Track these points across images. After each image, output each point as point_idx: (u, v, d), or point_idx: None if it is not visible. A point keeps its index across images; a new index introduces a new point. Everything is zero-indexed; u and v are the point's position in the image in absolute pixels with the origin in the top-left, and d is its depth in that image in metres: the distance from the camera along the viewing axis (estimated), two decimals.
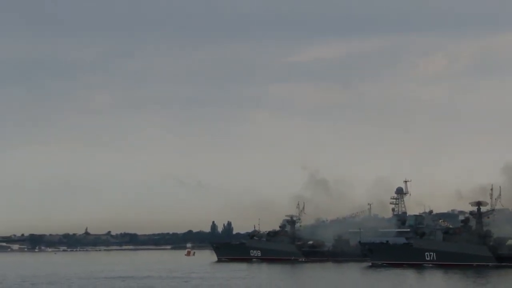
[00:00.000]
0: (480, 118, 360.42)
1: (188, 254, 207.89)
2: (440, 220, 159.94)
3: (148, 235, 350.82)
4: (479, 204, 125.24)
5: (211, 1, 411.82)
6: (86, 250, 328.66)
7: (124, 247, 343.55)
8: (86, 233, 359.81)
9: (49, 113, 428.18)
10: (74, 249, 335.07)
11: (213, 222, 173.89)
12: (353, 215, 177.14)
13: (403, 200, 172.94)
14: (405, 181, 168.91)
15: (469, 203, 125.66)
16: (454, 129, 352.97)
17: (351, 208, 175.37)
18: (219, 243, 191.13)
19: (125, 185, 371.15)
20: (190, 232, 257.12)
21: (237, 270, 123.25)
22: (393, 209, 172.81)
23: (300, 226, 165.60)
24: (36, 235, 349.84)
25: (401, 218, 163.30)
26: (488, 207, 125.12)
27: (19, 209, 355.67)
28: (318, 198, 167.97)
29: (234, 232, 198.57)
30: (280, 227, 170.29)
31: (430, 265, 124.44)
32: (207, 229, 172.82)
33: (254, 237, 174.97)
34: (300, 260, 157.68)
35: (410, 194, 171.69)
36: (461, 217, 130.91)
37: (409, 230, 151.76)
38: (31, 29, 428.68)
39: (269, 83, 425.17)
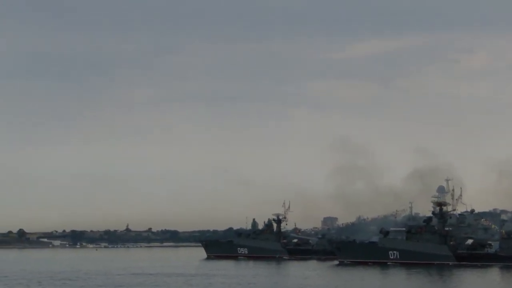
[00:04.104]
0: None
1: None
2: (482, 219, 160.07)
3: (189, 232, 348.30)
4: (441, 204, 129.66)
5: None
6: (127, 247, 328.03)
7: (164, 244, 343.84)
8: (127, 230, 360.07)
9: (90, 108, 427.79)
10: (115, 246, 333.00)
11: (254, 219, 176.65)
12: (394, 214, 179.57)
13: (445, 199, 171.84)
14: (447, 180, 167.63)
15: (431, 203, 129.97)
16: (496, 126, 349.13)
17: (392, 206, 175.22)
18: (208, 241, 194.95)
19: (166, 182, 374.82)
20: (230, 229, 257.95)
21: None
22: (454, 208, 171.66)
23: (342, 224, 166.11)
24: (77, 231, 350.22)
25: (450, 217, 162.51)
26: (450, 207, 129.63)
27: (61, 206, 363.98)
28: (359, 195, 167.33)
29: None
30: (266, 225, 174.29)
31: (393, 263, 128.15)
32: (248, 226, 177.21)
33: (241, 235, 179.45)
34: (285, 258, 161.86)
35: (451, 193, 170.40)
36: (504, 217, 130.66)
37: (450, 229, 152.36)
38: (70, 25, 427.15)
39: (308, 80, 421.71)
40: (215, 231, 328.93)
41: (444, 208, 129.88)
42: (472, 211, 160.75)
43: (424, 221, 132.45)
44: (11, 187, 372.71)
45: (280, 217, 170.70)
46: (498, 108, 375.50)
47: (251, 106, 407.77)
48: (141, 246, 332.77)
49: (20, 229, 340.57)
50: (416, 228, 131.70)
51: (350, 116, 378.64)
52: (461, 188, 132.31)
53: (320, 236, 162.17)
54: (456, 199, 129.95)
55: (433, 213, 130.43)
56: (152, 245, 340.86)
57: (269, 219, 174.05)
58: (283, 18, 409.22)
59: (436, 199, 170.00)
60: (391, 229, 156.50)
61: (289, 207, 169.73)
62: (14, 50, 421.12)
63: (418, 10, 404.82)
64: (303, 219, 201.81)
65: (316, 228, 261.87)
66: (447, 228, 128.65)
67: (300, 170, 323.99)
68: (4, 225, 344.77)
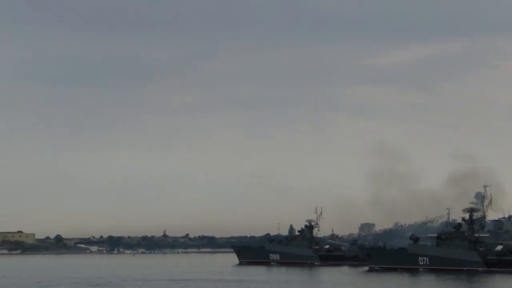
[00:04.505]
0: None
1: None
2: None
3: (226, 238, 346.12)
4: (471, 210, 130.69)
5: (290, 1, 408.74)
6: (164, 253, 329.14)
7: (202, 249, 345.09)
8: (165, 236, 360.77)
9: (126, 115, 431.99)
10: (152, 252, 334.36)
11: (291, 225, 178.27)
12: (431, 220, 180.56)
13: (483, 205, 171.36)
14: (485, 186, 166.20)
15: (462, 210, 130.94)
16: None
17: (430, 213, 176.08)
18: (240, 247, 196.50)
19: (204, 187, 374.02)
20: (267, 235, 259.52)
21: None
22: (485, 215, 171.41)
23: (380, 230, 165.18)
24: (114, 237, 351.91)
25: (480, 223, 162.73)
26: (480, 214, 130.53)
27: (98, 211, 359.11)
28: (396, 201, 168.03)
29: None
30: (299, 231, 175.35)
31: (423, 269, 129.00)
32: (285, 232, 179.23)
33: (273, 241, 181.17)
34: (317, 264, 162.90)
35: (489, 199, 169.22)
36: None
37: (488, 235, 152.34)
38: (104, 30, 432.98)
39: (346, 85, 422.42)
40: (252, 237, 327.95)
41: (475, 215, 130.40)
42: (510, 217, 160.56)
43: (454, 227, 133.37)
44: (49, 192, 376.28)
45: (312, 223, 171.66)
46: None
47: (288, 112, 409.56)
48: (178, 252, 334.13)
49: (58, 235, 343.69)
50: (446, 234, 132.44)
51: (388, 122, 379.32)
52: (491, 194, 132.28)
53: (352, 242, 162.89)
54: (486, 206, 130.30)
55: (463, 219, 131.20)
56: (189, 250, 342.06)
57: (302, 226, 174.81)
58: (323, 22, 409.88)
59: (473, 205, 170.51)
60: (428, 235, 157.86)
61: (321, 213, 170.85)
62: (47, 55, 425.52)
63: (458, 16, 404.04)
64: (340, 225, 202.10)
65: (353, 234, 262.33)
66: (476, 234, 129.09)
67: (338, 177, 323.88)
68: (42, 231, 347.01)
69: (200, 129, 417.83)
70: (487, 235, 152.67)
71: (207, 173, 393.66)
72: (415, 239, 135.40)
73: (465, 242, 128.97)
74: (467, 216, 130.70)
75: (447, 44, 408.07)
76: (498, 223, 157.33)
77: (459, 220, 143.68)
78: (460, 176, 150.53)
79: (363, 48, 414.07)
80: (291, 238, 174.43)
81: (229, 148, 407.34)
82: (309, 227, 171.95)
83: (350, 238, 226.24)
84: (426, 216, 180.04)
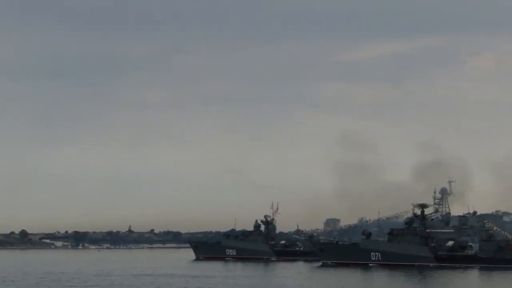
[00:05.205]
0: None
1: None
2: (484, 221, 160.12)
3: (192, 233, 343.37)
4: (423, 206, 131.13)
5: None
6: (129, 248, 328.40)
7: (167, 245, 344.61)
8: (130, 231, 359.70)
9: (97, 109, 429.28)
10: (117, 247, 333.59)
11: (256, 220, 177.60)
12: (396, 215, 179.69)
13: (447, 201, 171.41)
14: (449, 181, 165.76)
15: (413, 205, 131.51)
16: (502, 128, 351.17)
17: (394, 208, 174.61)
18: (197, 242, 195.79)
19: (169, 183, 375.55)
20: (233, 230, 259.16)
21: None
22: (436, 210, 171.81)
23: (345, 226, 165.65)
24: (80, 232, 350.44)
25: (445, 219, 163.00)
26: (431, 209, 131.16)
27: (63, 206, 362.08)
28: (361, 194, 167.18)
29: (278, 231, 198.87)
30: (255, 227, 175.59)
31: (375, 264, 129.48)
32: (250, 227, 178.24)
33: (230, 237, 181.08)
34: (273, 259, 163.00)
35: (454, 195, 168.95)
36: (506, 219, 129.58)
37: (452, 231, 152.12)
38: (80, 26, 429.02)
39: (316, 82, 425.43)
40: (217, 232, 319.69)
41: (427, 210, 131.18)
42: (475, 213, 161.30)
43: (406, 223, 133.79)
44: (13, 187, 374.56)
45: (269, 219, 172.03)
46: (504, 110, 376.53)
47: (262, 108, 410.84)
48: (143, 247, 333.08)
49: (23, 230, 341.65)
50: (397, 230, 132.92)
51: (358, 117, 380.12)
52: (443, 190, 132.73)
53: (307, 237, 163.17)
54: (438, 201, 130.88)
55: (415, 215, 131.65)
56: (154, 246, 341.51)
57: (256, 220, 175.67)
58: (295, 20, 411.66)
59: (437, 201, 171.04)
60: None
61: (277, 209, 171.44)
62: (23, 52, 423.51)
63: (428, 12, 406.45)
64: (308, 220, 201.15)
65: (318, 229, 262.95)
66: (428, 230, 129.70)
67: (308, 172, 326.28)
68: (7, 226, 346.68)
69: (170, 125, 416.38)
70: (452, 230, 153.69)
71: (173, 169, 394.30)
72: (367, 235, 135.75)
73: (417, 238, 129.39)
74: (418, 211, 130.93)
75: (417, 41, 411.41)
76: (463, 218, 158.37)
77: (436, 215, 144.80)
78: (426, 167, 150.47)
79: (335, 44, 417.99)
80: (247, 234, 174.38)
81: (199, 144, 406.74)
82: (265, 223, 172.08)
83: (315, 234, 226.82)
84: (395, 212, 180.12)
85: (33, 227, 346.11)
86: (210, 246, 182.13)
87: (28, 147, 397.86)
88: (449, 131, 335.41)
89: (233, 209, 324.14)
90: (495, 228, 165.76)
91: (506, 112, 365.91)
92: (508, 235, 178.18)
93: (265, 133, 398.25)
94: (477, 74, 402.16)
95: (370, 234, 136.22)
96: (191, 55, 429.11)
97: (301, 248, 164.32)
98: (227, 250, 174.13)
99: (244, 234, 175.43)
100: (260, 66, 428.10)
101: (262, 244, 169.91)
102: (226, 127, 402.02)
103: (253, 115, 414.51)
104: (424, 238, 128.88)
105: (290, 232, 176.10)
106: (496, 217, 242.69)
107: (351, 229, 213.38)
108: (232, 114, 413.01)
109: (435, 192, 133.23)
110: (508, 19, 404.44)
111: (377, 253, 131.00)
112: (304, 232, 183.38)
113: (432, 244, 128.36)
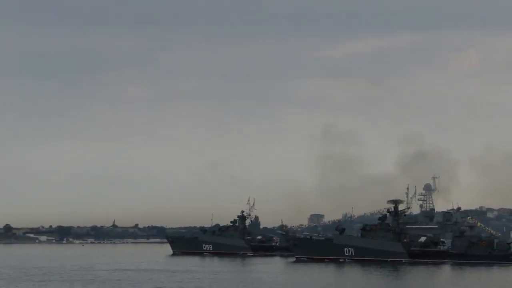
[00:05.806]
0: None
1: None
2: (468, 217, 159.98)
3: (176, 228, 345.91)
4: (396, 202, 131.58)
5: None
6: (114, 243, 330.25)
7: (151, 240, 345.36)
8: (114, 226, 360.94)
9: (80, 105, 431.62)
10: (102, 242, 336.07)
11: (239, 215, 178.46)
12: (381, 211, 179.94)
13: (431, 197, 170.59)
14: (434, 178, 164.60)
15: (387, 201, 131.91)
16: (484, 126, 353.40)
17: (377, 204, 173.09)
18: (173, 237, 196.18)
19: (153, 178, 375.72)
20: (217, 225, 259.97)
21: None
22: (420, 206, 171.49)
23: (329, 221, 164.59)
24: (64, 227, 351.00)
25: (429, 215, 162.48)
26: (404, 205, 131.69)
27: (48, 201, 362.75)
28: (344, 188, 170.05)
29: (262, 226, 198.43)
30: (231, 222, 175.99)
31: (349, 260, 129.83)
32: (213, 223, 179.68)
33: (207, 232, 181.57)
34: (249, 254, 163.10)
35: (438, 191, 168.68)
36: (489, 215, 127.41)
37: (436, 227, 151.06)
38: (64, 22, 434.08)
39: (298, 78, 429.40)
40: (201, 227, 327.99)
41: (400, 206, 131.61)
42: (458, 209, 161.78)
43: (379, 218, 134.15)
44: None
45: (245, 214, 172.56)
46: (486, 107, 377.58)
47: (244, 104, 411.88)
48: (127, 242, 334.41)
49: (7, 224, 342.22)
50: (370, 226, 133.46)
51: (340, 112, 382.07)
52: (427, 186, 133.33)
53: (283, 233, 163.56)
54: (411, 198, 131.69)
55: (388, 210, 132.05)
56: (138, 241, 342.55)
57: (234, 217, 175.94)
58: (275, 17, 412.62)
59: (422, 197, 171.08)
60: None
61: (253, 204, 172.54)
62: (6, 49, 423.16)
63: (410, 9, 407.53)
64: (292, 216, 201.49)
65: (302, 225, 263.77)
66: (401, 226, 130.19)
67: (291, 167, 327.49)
68: None
69: (152, 121, 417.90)
70: (436, 226, 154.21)
71: (157, 164, 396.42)
72: (341, 230, 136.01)
73: (390, 234, 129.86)
74: (392, 207, 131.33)
75: (398, 37, 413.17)
76: (446, 214, 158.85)
77: (408, 212, 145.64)
78: (408, 161, 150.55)
79: (317, 40, 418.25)
80: (224, 229, 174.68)
81: (182, 139, 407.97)
82: (242, 218, 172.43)
83: (299, 229, 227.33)
84: (379, 208, 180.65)
85: (17, 222, 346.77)
86: (186, 241, 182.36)
87: (12, 142, 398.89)
88: (430, 127, 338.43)
89: (216, 204, 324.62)
90: (479, 224, 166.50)
91: (487, 109, 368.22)
92: (492, 231, 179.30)
93: (247, 129, 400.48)
94: (459, 71, 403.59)
95: (343, 229, 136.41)
96: (172, 52, 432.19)
97: (277, 244, 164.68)
98: (203, 245, 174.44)
99: (221, 230, 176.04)
100: (241, 62, 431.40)
101: (238, 239, 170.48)
102: (209, 123, 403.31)
103: (235, 111, 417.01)
104: (397, 234, 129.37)
105: (274, 227, 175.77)
106: (480, 213, 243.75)
107: (334, 224, 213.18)
108: (214, 110, 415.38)
109: (407, 189, 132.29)
110: (490, 16, 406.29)
111: (350, 249, 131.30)
112: (289, 228, 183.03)
113: (405, 240, 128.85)
